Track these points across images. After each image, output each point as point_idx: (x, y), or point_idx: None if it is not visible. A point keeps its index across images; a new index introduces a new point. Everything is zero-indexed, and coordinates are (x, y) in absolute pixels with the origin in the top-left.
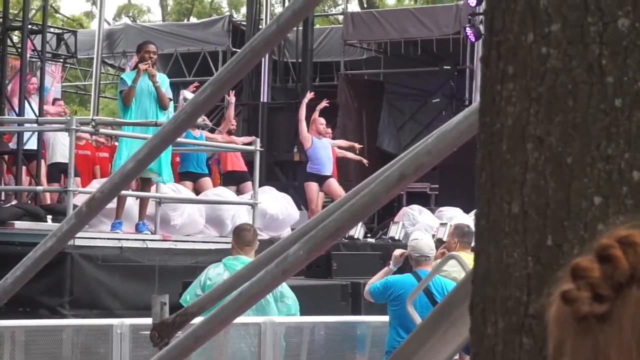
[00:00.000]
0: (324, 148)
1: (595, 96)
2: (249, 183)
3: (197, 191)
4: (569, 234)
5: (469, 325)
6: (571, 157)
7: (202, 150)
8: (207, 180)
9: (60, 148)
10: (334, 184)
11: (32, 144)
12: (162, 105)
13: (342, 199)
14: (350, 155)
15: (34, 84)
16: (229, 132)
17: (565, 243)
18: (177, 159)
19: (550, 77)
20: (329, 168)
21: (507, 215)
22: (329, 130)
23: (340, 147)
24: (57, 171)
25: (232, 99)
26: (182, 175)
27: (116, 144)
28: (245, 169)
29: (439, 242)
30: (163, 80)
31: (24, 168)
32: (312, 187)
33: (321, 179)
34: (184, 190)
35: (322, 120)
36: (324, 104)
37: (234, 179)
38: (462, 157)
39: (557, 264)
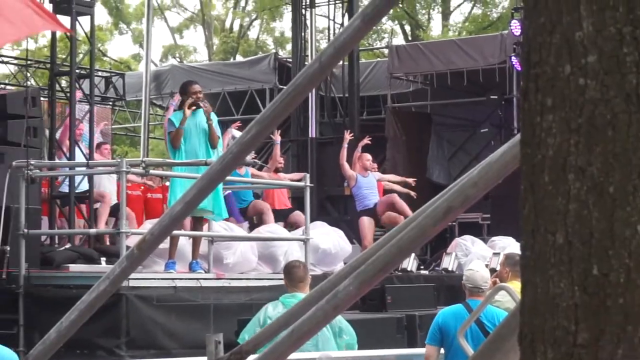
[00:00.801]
0: (367, 186)
1: (635, 125)
2: (296, 213)
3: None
4: (614, 263)
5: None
6: (613, 187)
7: (251, 187)
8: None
9: (106, 188)
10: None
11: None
12: (212, 144)
13: (391, 233)
14: (397, 187)
15: (80, 129)
16: (276, 171)
17: (611, 272)
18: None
19: (589, 107)
20: (373, 201)
21: (552, 246)
22: (375, 165)
23: (390, 182)
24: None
25: (277, 139)
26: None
27: (167, 184)
28: (290, 206)
29: (492, 272)
30: (214, 117)
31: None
32: (364, 222)
33: (371, 211)
34: (236, 229)
35: (368, 157)
36: (365, 140)
37: (281, 217)
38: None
39: (603, 293)
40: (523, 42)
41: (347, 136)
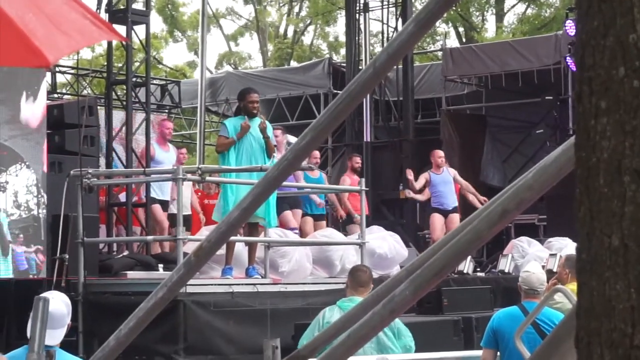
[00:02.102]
0: (443, 182)
1: None
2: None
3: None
4: None
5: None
6: None
7: (308, 192)
8: (322, 223)
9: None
10: (455, 222)
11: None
12: (268, 154)
13: (447, 236)
14: (471, 198)
15: (169, 128)
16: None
17: None
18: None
19: None
20: (451, 201)
21: (608, 249)
22: (446, 162)
23: (467, 190)
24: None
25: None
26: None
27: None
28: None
29: (549, 273)
30: (269, 128)
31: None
32: (435, 218)
33: (445, 214)
34: (291, 235)
35: (440, 153)
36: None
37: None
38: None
39: None
40: (576, 45)
41: (409, 176)
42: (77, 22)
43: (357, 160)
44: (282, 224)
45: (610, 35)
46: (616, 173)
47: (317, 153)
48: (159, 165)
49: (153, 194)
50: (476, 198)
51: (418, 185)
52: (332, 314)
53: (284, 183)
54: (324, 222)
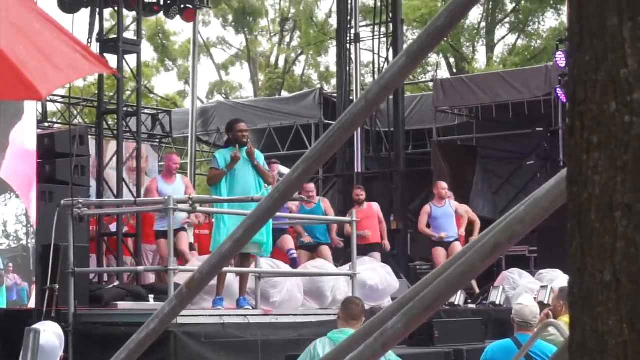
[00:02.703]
0: (444, 215)
1: None
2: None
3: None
4: None
5: None
6: None
7: (299, 222)
8: (325, 249)
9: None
10: (457, 248)
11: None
12: (266, 181)
13: (439, 269)
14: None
15: (177, 163)
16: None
17: None
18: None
19: (635, 145)
20: (451, 233)
21: (600, 284)
22: (450, 193)
23: (469, 218)
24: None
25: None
26: (300, 247)
27: (214, 220)
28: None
29: (540, 305)
30: (259, 156)
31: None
32: (438, 252)
33: (446, 245)
34: (283, 266)
35: (444, 185)
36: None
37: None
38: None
39: None
40: (568, 79)
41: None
42: (68, 56)
43: (358, 193)
44: (280, 246)
45: (602, 70)
46: (608, 208)
47: (312, 187)
48: None
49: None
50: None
51: (424, 222)
52: (323, 346)
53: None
54: (326, 248)
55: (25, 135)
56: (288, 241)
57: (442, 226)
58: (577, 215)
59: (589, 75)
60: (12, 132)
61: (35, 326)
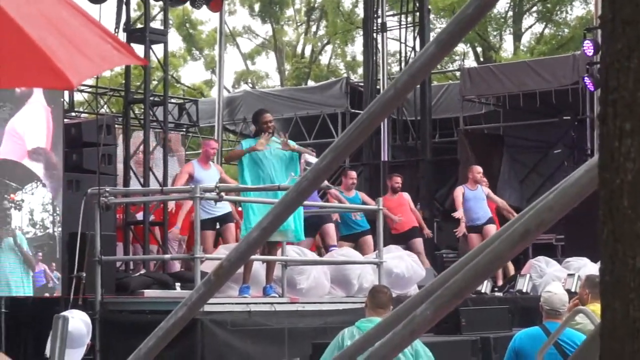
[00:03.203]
0: (475, 198)
1: None
2: (416, 240)
3: (359, 249)
4: None
5: None
6: None
7: (324, 212)
8: (368, 239)
9: None
10: (492, 232)
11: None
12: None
13: (467, 256)
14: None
15: (214, 148)
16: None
17: None
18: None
19: None
20: (482, 214)
21: (632, 270)
22: (485, 179)
23: (501, 207)
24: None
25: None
26: (341, 239)
27: (240, 209)
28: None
29: (567, 293)
30: (290, 142)
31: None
32: (472, 239)
33: (479, 229)
34: (309, 253)
35: (479, 169)
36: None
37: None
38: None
39: None
40: (601, 67)
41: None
42: (97, 46)
43: (397, 180)
44: (323, 234)
45: (635, 57)
46: None
47: (354, 174)
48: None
49: (205, 215)
50: (511, 215)
51: (460, 202)
52: (351, 335)
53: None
54: (370, 237)
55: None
56: (331, 234)
57: (474, 208)
58: (609, 202)
59: (622, 62)
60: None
61: (63, 313)
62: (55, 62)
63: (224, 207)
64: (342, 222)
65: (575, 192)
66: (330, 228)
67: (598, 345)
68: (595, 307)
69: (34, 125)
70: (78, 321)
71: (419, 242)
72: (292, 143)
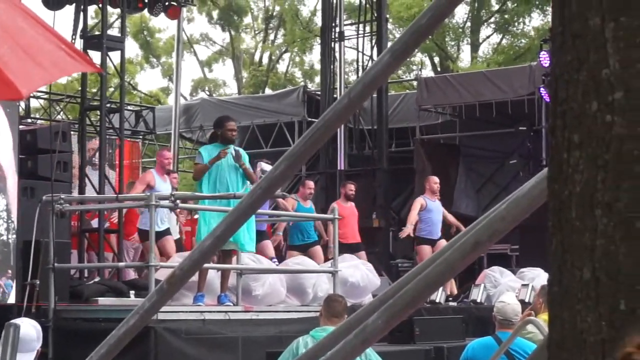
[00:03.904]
0: (437, 210)
1: None
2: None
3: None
4: None
5: None
6: None
7: (281, 220)
8: (317, 249)
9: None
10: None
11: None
12: (251, 182)
13: (419, 267)
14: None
15: (169, 158)
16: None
17: (638, 308)
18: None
19: (616, 144)
20: (438, 230)
21: (579, 282)
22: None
23: (450, 221)
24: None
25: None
26: (291, 247)
27: (196, 217)
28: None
29: (521, 304)
30: (244, 156)
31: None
32: (424, 250)
33: (432, 243)
34: (265, 261)
35: (436, 180)
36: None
37: (350, 251)
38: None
39: (630, 328)
40: (550, 79)
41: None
42: (52, 54)
43: (351, 188)
44: (260, 252)
45: (584, 69)
46: (588, 206)
47: (312, 184)
48: None
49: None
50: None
51: (415, 213)
52: (305, 344)
53: (258, 211)
54: (319, 248)
55: None
56: (268, 249)
57: (434, 220)
58: (557, 213)
59: (571, 75)
60: None
61: (14, 321)
62: (5, 72)
63: (165, 224)
64: (294, 231)
65: (527, 203)
66: (267, 245)
67: (546, 356)
68: (548, 317)
69: None
70: (28, 326)
71: (362, 255)
72: (244, 157)
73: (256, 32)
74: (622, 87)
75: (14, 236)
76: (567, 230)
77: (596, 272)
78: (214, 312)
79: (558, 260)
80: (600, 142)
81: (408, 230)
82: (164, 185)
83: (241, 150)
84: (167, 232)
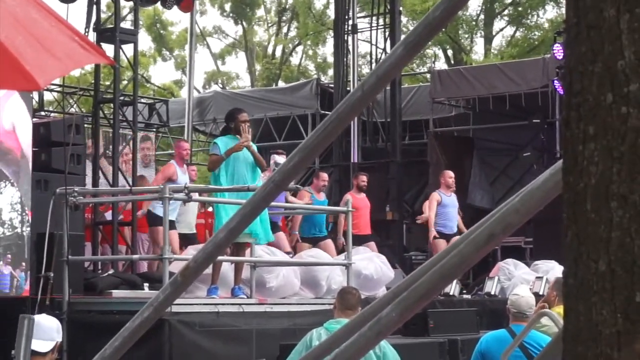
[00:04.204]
0: (452, 204)
1: None
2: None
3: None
4: None
5: None
6: None
7: (296, 213)
8: (328, 243)
9: (188, 217)
10: None
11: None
12: (261, 167)
13: (433, 259)
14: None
15: (187, 149)
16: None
17: None
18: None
19: (631, 136)
20: (454, 224)
21: (595, 274)
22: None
23: None
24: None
25: None
26: (303, 240)
27: (210, 210)
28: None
29: (535, 296)
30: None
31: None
32: (439, 243)
33: (448, 237)
34: (279, 253)
35: (452, 174)
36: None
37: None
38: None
39: None
40: (565, 71)
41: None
42: (66, 45)
43: (364, 179)
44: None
45: (599, 61)
46: (603, 199)
47: (326, 176)
48: None
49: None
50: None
51: (434, 210)
52: (319, 336)
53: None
54: (330, 242)
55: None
56: (282, 241)
57: (450, 215)
58: (572, 206)
59: (586, 66)
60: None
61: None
62: (22, 63)
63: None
64: (306, 224)
65: (541, 196)
66: (281, 237)
67: (561, 349)
68: (562, 310)
69: (7, 122)
70: (48, 318)
71: (372, 245)
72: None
73: (269, 24)
74: (638, 78)
75: (28, 229)
76: (583, 223)
77: (612, 264)
78: (227, 304)
79: (573, 253)
80: (615, 134)
81: (425, 216)
82: (183, 177)
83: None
84: (172, 224)
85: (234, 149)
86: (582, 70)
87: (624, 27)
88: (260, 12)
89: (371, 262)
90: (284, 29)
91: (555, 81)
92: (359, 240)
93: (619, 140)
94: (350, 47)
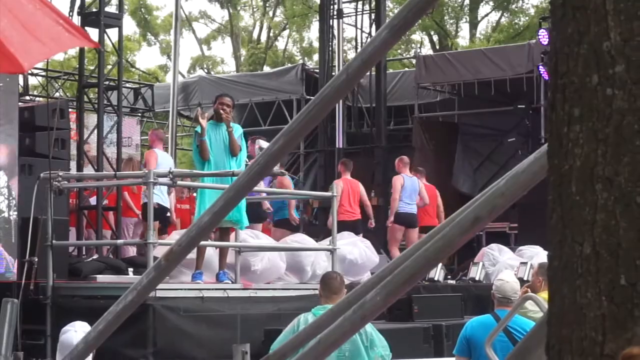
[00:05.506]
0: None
1: None
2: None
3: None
4: None
5: None
6: None
7: (276, 198)
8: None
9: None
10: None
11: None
12: (231, 152)
13: (417, 243)
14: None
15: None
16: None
17: (638, 282)
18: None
19: (617, 117)
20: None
21: (579, 256)
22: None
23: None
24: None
25: None
26: (277, 223)
27: (195, 195)
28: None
29: (520, 282)
30: (237, 129)
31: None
32: (394, 229)
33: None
34: (263, 237)
35: (406, 160)
36: None
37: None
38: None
39: (631, 303)
40: (550, 52)
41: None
42: (50, 29)
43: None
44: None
45: (585, 42)
46: (588, 181)
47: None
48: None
49: (158, 201)
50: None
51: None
52: (306, 321)
53: (254, 189)
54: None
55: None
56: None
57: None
58: (557, 188)
59: (571, 48)
60: None
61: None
62: (7, 46)
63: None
64: (280, 207)
65: (526, 179)
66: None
67: (545, 333)
68: (547, 295)
69: None
70: (81, 334)
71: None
72: (236, 128)
73: (254, 9)
74: (623, 60)
75: (15, 213)
76: (567, 205)
77: (596, 246)
78: (212, 289)
79: (558, 235)
80: (600, 115)
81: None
82: (168, 159)
83: (236, 125)
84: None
85: (202, 127)
86: (568, 52)
87: (610, 8)
88: None
89: (356, 247)
90: (270, 14)
91: (540, 67)
92: (346, 228)
93: (604, 122)
94: (336, 32)
